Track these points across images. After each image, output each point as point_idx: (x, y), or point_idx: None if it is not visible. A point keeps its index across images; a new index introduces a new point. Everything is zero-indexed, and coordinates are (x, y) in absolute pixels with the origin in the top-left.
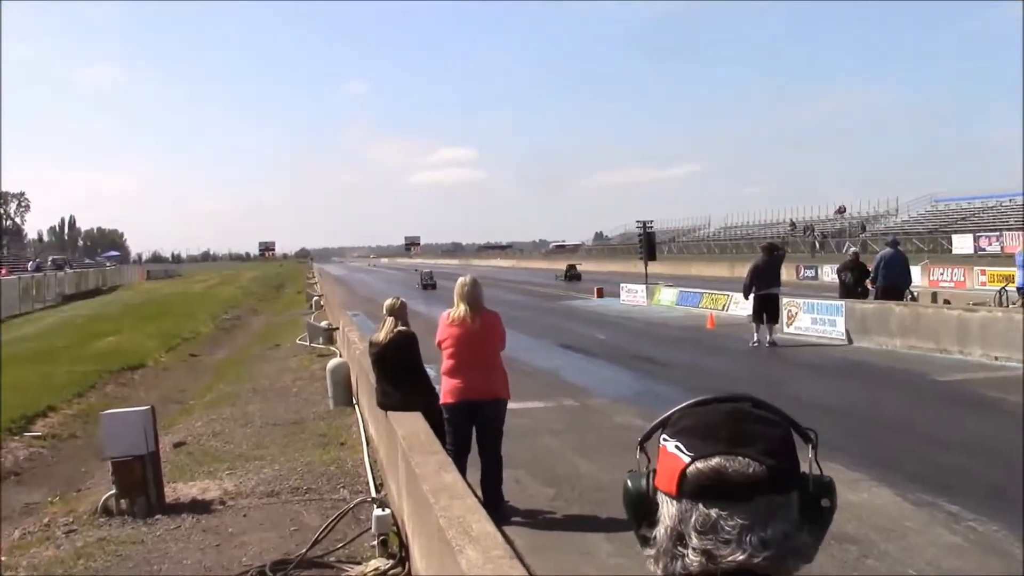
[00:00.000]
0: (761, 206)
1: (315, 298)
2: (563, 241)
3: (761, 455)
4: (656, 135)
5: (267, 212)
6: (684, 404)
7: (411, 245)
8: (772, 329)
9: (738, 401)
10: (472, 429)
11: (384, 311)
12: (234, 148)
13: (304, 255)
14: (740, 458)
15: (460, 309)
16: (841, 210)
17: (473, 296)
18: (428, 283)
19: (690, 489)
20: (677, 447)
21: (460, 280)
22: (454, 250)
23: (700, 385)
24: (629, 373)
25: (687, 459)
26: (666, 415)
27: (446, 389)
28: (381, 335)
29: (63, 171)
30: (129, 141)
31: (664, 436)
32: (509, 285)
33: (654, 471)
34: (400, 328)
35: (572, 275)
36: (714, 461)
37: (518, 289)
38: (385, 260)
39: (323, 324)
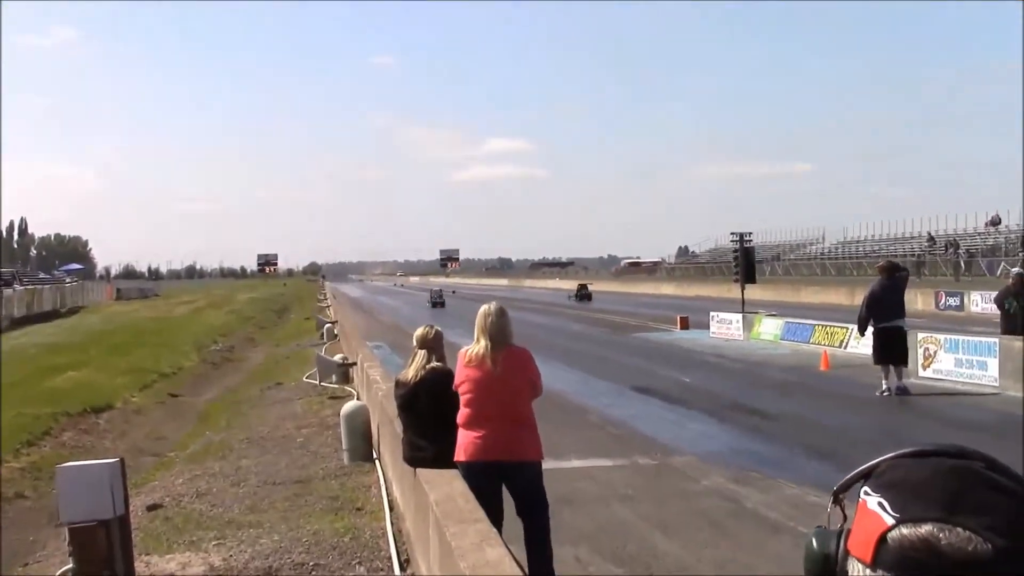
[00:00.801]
0: (891, 215)
1: (327, 326)
2: (638, 257)
3: (988, 530)
4: (754, 126)
5: (268, 217)
6: (898, 452)
7: (448, 261)
8: (901, 372)
9: (967, 458)
10: (499, 495)
11: (414, 342)
12: (226, 134)
13: (314, 272)
14: (960, 530)
15: (479, 346)
16: (995, 221)
17: (497, 329)
18: (437, 300)
19: (890, 559)
20: (880, 504)
21: (483, 309)
22: (501, 267)
23: (813, 443)
24: (722, 426)
25: (890, 521)
26: (873, 463)
27: (461, 444)
28: (410, 373)
29: (6, 159)
30: (88, 120)
31: (866, 489)
32: (571, 313)
33: (848, 530)
34: (434, 364)
35: (583, 295)
36: (924, 529)
37: (582, 317)
38: (415, 279)
39: (337, 358)
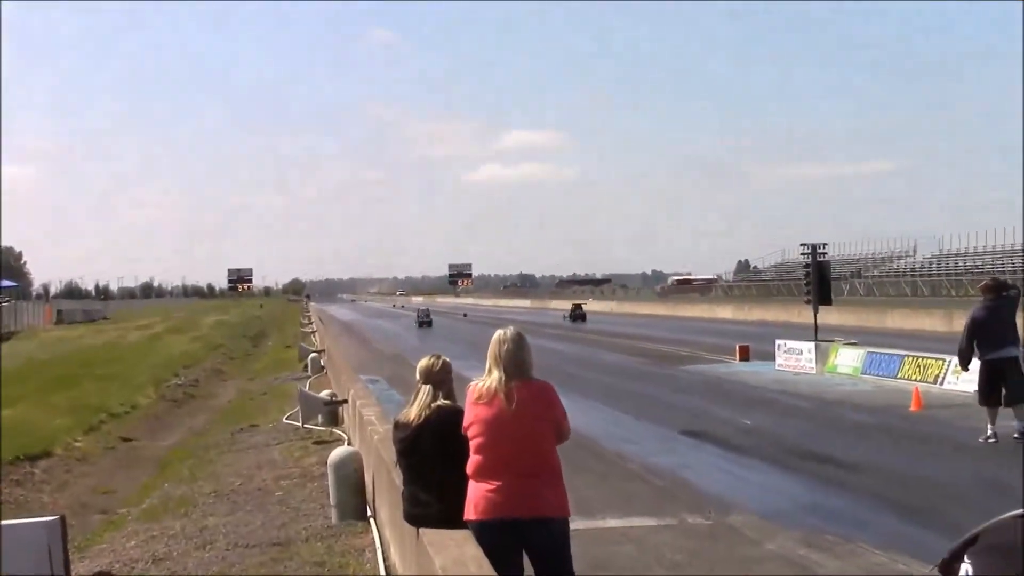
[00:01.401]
0: (995, 222)
1: (312, 355)
2: (688, 274)
3: None
4: (826, 118)
5: (242, 226)
6: (1005, 516)
7: (458, 278)
8: (1019, 414)
9: None
10: (518, 560)
11: (417, 376)
12: (188, 126)
13: (296, 290)
14: None
15: (492, 378)
16: None
17: (514, 359)
18: (424, 320)
19: None
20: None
21: (497, 335)
22: (522, 286)
23: (901, 499)
24: (790, 478)
25: None
26: (978, 529)
27: (471, 499)
28: (413, 412)
29: None
30: (19, 106)
31: (970, 559)
32: (606, 341)
33: None
34: (441, 402)
35: (577, 315)
36: None
37: (619, 346)
38: (419, 299)
39: (324, 395)
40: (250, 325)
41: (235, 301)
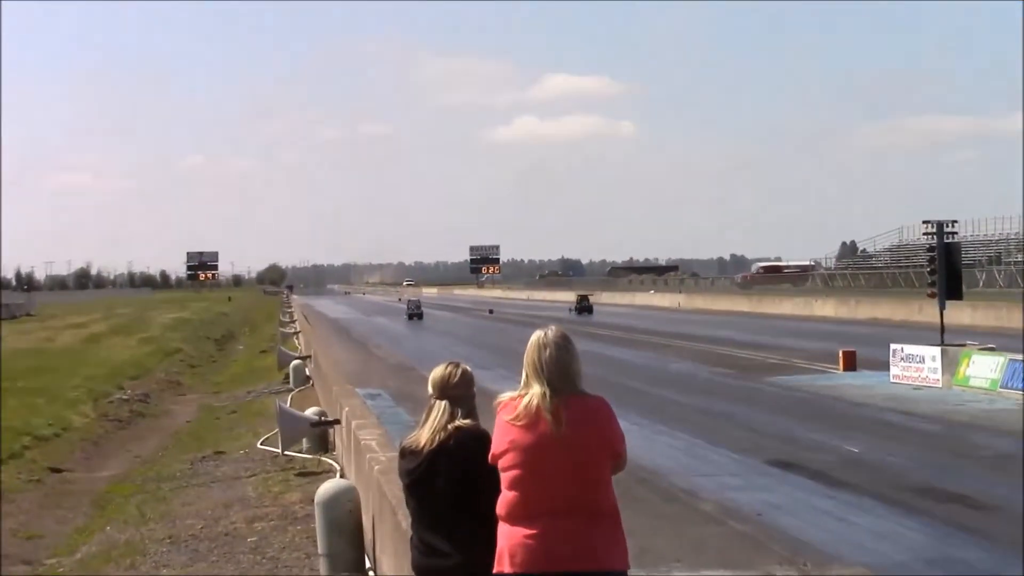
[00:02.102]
0: None
1: (295, 363)
2: (777, 259)
3: None
4: (948, 62)
5: (204, 199)
6: None
7: (482, 264)
8: None
9: None
10: None
11: (430, 389)
12: (130, 64)
13: (275, 280)
14: None
15: (531, 393)
16: None
17: (559, 369)
18: (414, 312)
19: None
20: None
21: (536, 337)
22: (565, 274)
23: None
24: (909, 522)
25: None
26: None
27: (503, 548)
28: (424, 436)
29: None
30: None
31: None
32: (674, 346)
33: None
34: (461, 422)
35: (583, 307)
36: None
37: (689, 351)
38: (432, 291)
39: (310, 414)
40: (215, 324)
41: (196, 293)
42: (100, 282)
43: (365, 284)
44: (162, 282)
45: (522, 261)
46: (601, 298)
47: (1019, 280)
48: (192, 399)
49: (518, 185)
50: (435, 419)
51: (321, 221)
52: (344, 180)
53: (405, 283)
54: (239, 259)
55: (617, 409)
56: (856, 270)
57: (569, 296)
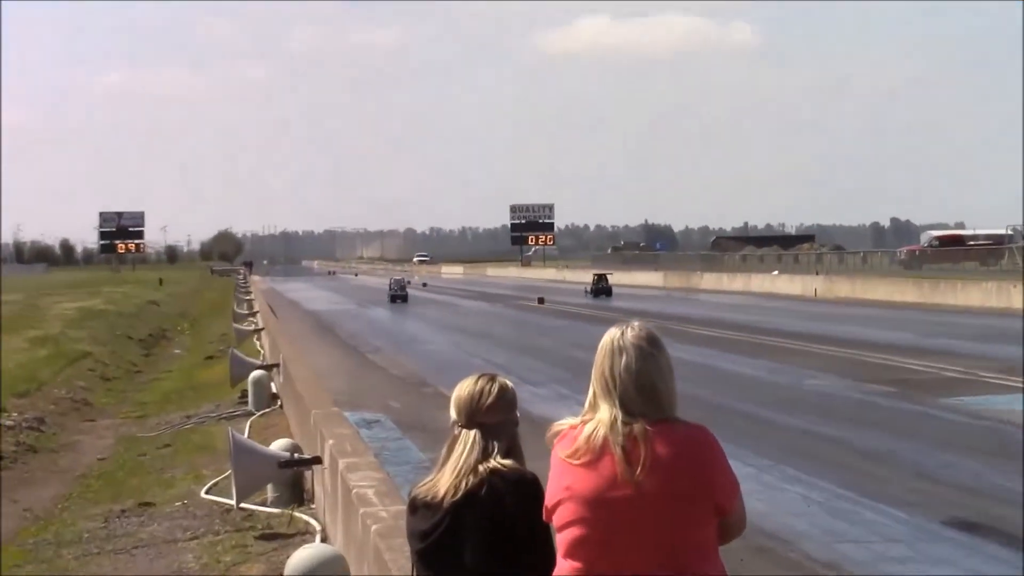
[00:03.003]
0: None
1: (256, 374)
2: (958, 225)
3: None
4: None
5: (126, 134)
6: None
7: (528, 232)
8: None
9: None
10: None
11: (453, 412)
12: None
13: (228, 254)
14: None
15: (599, 420)
16: None
17: (640, 382)
18: (397, 293)
19: None
20: None
21: (609, 337)
22: (651, 244)
23: None
24: None
25: None
26: None
27: None
28: (444, 483)
29: None
30: None
31: None
32: (807, 351)
33: None
34: (499, 463)
35: (600, 289)
36: None
37: (836, 361)
38: (455, 271)
39: (277, 449)
40: (140, 317)
41: (113, 272)
42: None
43: (357, 260)
44: (63, 256)
45: (585, 228)
46: (701, 282)
47: None
48: (106, 426)
49: (579, 116)
50: (461, 457)
51: (294, 169)
52: (327, 109)
53: (416, 259)
54: (175, 223)
55: (725, 444)
56: None
57: (655, 279)
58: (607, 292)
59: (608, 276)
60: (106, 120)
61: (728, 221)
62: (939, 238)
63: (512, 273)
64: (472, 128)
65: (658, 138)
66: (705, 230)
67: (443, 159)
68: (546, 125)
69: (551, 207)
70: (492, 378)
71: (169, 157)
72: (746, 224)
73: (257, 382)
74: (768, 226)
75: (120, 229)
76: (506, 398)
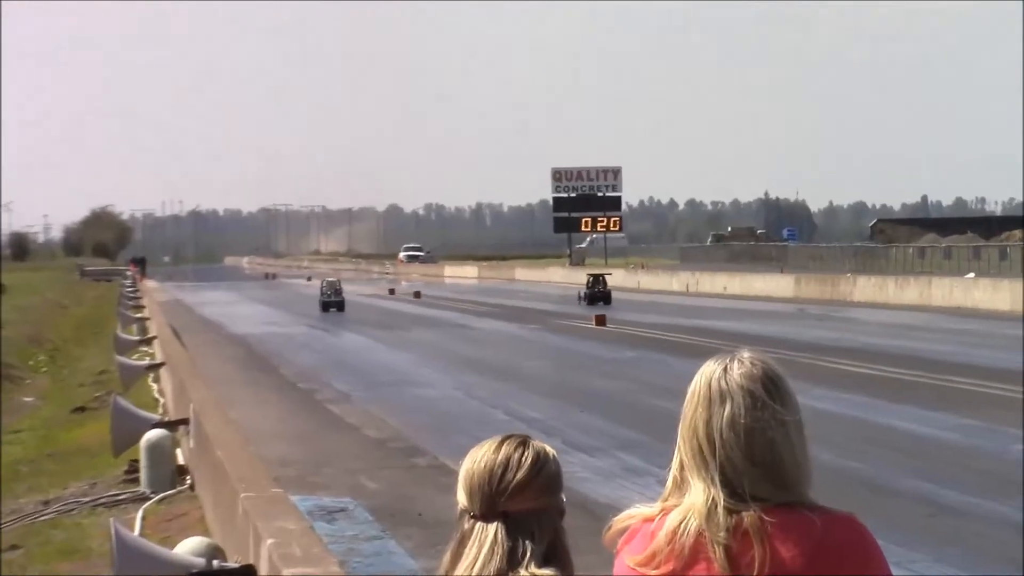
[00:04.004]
0: None
1: (152, 434)
2: None
3: None
4: None
5: None
6: None
7: (582, 216)
8: None
9: None
10: None
11: (463, 496)
12: None
13: (107, 248)
14: None
15: (691, 507)
16: None
17: (753, 446)
18: (331, 299)
19: None
20: None
21: (704, 375)
22: (774, 232)
23: None
24: None
25: None
26: None
27: None
28: None
29: None
30: None
31: None
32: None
33: None
34: (533, 574)
35: (596, 293)
36: None
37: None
38: (468, 272)
39: (185, 553)
40: None
41: None
42: None
43: (312, 256)
44: None
45: (669, 204)
46: (853, 290)
47: None
48: None
49: (660, 44)
50: (475, 566)
51: (211, 116)
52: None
53: (404, 253)
54: (23, 198)
55: (885, 545)
56: None
57: (781, 285)
58: (605, 298)
59: (607, 277)
60: None
61: (896, 195)
62: None
63: (555, 276)
64: (492, 53)
65: (784, 75)
66: (860, 208)
67: (447, 99)
68: (609, 55)
69: (617, 172)
70: (523, 442)
71: (13, 101)
72: (925, 199)
73: (154, 449)
74: (959, 202)
75: None
76: (545, 473)
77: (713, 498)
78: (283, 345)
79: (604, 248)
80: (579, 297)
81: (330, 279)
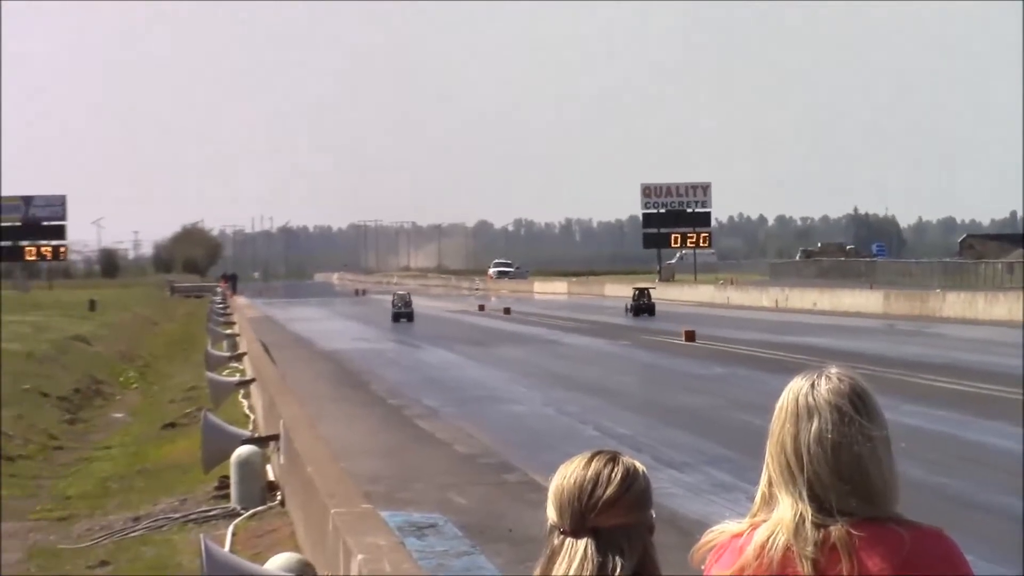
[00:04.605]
0: None
1: (242, 450)
2: None
3: None
4: None
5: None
6: None
7: (671, 232)
8: None
9: None
10: None
11: (552, 511)
12: None
13: (197, 264)
14: None
15: (780, 522)
16: None
17: (842, 462)
18: (401, 311)
19: None
20: None
21: (792, 392)
22: (864, 248)
23: None
24: None
25: None
26: None
27: None
28: None
29: None
30: None
31: None
32: None
33: None
34: None
35: (641, 305)
36: None
37: None
38: (556, 288)
39: (277, 570)
40: (63, 361)
41: (18, 291)
42: None
43: (401, 272)
44: None
45: (759, 220)
46: (943, 307)
47: None
48: (10, 533)
49: (749, 54)
50: None
51: (301, 135)
52: (351, 47)
53: (494, 269)
54: (115, 214)
55: (973, 560)
56: None
57: (870, 300)
58: (650, 310)
59: (651, 291)
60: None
61: (986, 211)
62: None
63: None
64: (583, 69)
65: (875, 92)
66: (949, 224)
67: (537, 115)
68: (700, 70)
69: (706, 188)
70: (613, 458)
71: (105, 118)
72: (1014, 215)
73: (244, 465)
74: None
75: (29, 223)
76: (635, 489)
77: (801, 513)
78: (373, 361)
79: (694, 264)
80: (626, 309)
81: (400, 292)
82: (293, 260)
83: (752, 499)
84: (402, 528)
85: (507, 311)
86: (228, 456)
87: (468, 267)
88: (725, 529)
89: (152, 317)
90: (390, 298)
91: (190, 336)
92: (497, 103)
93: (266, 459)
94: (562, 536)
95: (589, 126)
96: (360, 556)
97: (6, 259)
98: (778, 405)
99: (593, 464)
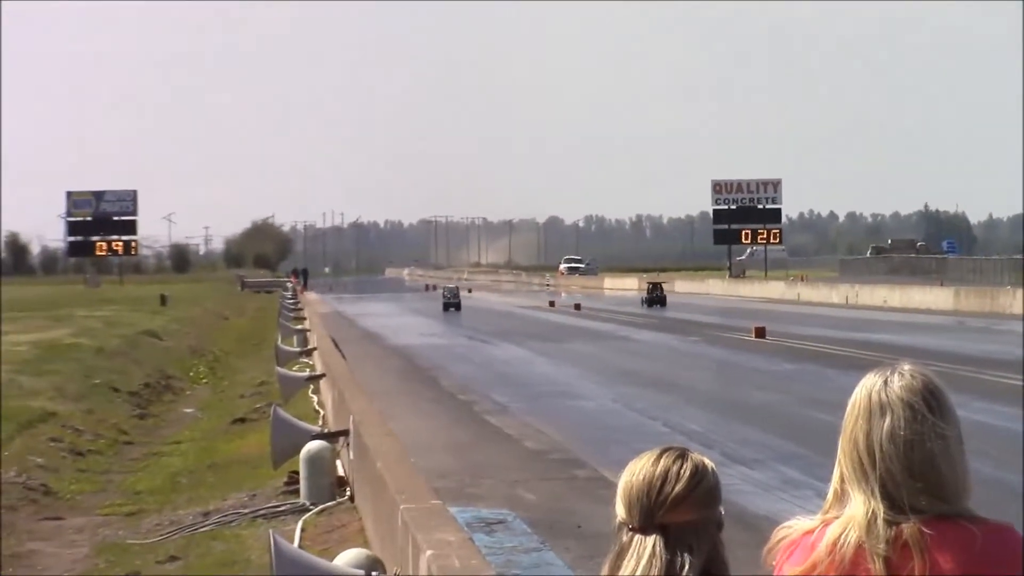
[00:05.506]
0: None
1: (312, 446)
2: None
3: None
4: None
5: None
6: None
7: (742, 228)
8: None
9: None
10: None
11: (621, 507)
12: None
13: (268, 259)
14: None
15: (852, 518)
16: None
17: (914, 458)
18: (451, 301)
19: None
20: None
21: (864, 388)
22: (934, 244)
23: None
24: None
25: None
26: None
27: None
28: None
29: None
30: None
31: None
32: None
33: None
34: None
35: (654, 297)
36: None
37: None
38: (627, 284)
39: (346, 566)
40: (133, 356)
41: (89, 286)
42: None
43: (471, 268)
44: (12, 260)
45: (829, 217)
46: (1013, 303)
47: None
48: (79, 527)
49: (821, 48)
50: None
51: (371, 129)
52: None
53: (564, 266)
54: (185, 210)
55: None
56: None
57: (940, 297)
58: (661, 301)
59: (663, 285)
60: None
61: None
62: None
63: (715, 289)
64: (653, 64)
65: (947, 88)
66: (1020, 221)
67: (607, 111)
68: (770, 66)
69: (777, 184)
70: (682, 455)
71: (177, 114)
72: None
73: (314, 461)
74: None
75: (100, 218)
76: (704, 486)
77: (873, 510)
78: (443, 356)
79: (764, 260)
80: (641, 301)
81: (449, 285)
82: (363, 255)
83: (822, 496)
84: (471, 524)
85: (577, 307)
86: (298, 451)
87: (538, 263)
88: (797, 526)
89: (222, 312)
90: (463, 292)
91: (260, 331)
92: (570, 100)
93: (335, 454)
94: (631, 533)
95: (661, 121)
96: (429, 552)
97: (77, 254)
98: (851, 401)
99: (662, 461)
